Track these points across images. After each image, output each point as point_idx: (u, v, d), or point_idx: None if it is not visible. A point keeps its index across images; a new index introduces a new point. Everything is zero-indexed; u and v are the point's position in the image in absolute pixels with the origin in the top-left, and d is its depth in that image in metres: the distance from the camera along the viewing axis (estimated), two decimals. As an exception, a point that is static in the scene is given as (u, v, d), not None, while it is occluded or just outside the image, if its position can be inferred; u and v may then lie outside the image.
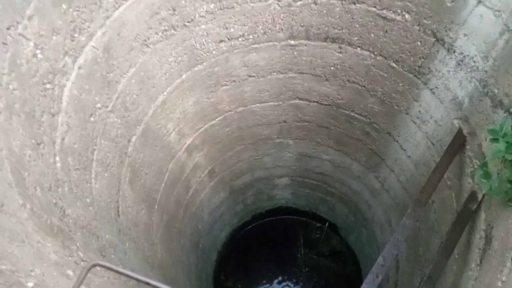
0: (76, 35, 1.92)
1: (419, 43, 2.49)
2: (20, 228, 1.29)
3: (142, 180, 2.96)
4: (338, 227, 5.94)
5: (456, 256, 2.42)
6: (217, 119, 3.62)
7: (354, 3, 2.51)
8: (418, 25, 2.41)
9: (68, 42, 1.88)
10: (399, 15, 2.43)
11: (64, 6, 1.80)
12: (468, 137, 2.43)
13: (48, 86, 1.80)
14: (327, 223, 6.01)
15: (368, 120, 3.50)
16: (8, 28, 1.51)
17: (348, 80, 3.20)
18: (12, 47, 1.54)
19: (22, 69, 1.62)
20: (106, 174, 2.42)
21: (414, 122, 3.01)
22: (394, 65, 2.78)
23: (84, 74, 2.05)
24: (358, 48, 2.84)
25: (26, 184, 1.50)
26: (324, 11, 2.62)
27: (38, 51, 1.71)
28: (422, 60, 2.55)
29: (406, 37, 2.52)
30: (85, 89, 2.09)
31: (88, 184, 2.19)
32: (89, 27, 1.99)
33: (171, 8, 2.38)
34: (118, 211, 2.58)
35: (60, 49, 1.84)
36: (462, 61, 2.29)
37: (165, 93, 2.84)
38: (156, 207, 3.33)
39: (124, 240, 2.56)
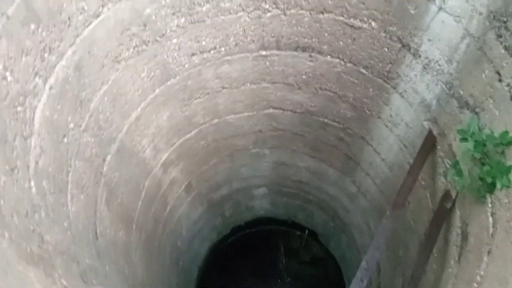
0: (46, 55, 1.88)
1: (386, 49, 2.59)
2: (1, 258, 1.23)
3: (119, 199, 2.90)
4: (318, 234, 5.99)
5: (436, 255, 2.50)
6: (192, 133, 3.60)
7: (322, 13, 2.58)
8: (384, 32, 2.50)
9: (38, 63, 1.83)
10: (365, 23, 2.52)
11: (32, 26, 1.76)
12: (438, 137, 2.53)
13: (19, 108, 1.74)
14: (307, 231, 6.05)
15: (341, 126, 3.57)
16: (-25, 51, 1.46)
17: (320, 88, 3.27)
18: (-20, 71, 1.49)
19: (-9, 93, 1.56)
20: (82, 196, 2.35)
21: (386, 125, 3.11)
22: (363, 71, 2.86)
23: (56, 94, 2.00)
24: (328, 56, 2.92)
25: (2, 212, 1.43)
26: (294, 22, 2.68)
27: (7, 73, 1.65)
28: (390, 65, 2.65)
29: (374, 44, 2.61)
30: (57, 110, 2.04)
31: (65, 208, 2.12)
32: (59, 46, 1.95)
33: (141, 24, 2.36)
34: (96, 233, 2.51)
35: (30, 70, 1.79)
36: (428, 65, 2.39)
37: (138, 109, 2.81)
38: (134, 226, 3.26)
39: (104, 263, 2.49)
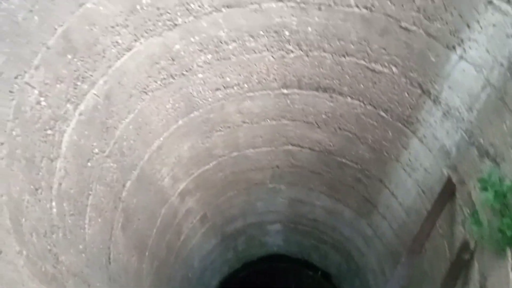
0: (79, 83, 1.99)
1: (406, 94, 2.62)
2: (17, 276, 1.27)
3: (135, 225, 2.93)
4: (331, 276, 5.82)
5: (452, 307, 2.40)
6: (211, 164, 3.66)
7: (344, 56, 2.65)
8: (405, 77, 2.54)
9: (71, 90, 1.95)
10: (386, 68, 2.57)
11: (69, 56, 1.88)
12: (457, 185, 2.49)
13: (49, 132, 1.84)
14: (320, 272, 5.89)
15: (359, 167, 3.56)
16: (15, 77, 1.57)
17: (339, 128, 3.30)
18: (18, 95, 1.60)
19: (26, 116, 1.66)
20: (99, 220, 2.40)
21: (404, 169, 3.09)
22: (383, 114, 2.89)
23: (84, 120, 2.10)
24: (349, 98, 2.97)
25: (23, 230, 1.49)
26: (316, 63, 2.76)
27: (42, 99, 1.77)
28: (410, 110, 2.67)
29: (394, 88, 2.65)
30: (84, 135, 2.13)
31: (82, 230, 2.17)
32: (91, 75, 2.07)
33: (170, 58, 2.48)
34: (110, 258, 2.54)
35: (63, 96, 1.90)
36: (448, 112, 2.40)
37: (161, 139, 2.90)
38: (147, 253, 3.27)
39: (114, 288, 2.50)
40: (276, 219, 5.23)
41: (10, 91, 1.53)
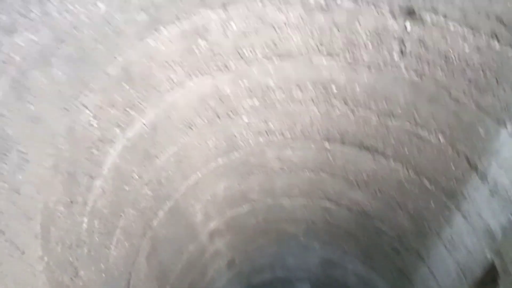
0: (130, 110, 2.15)
1: (452, 166, 2.51)
2: (33, 280, 1.33)
3: (160, 256, 2.96)
4: None
5: None
6: (244, 208, 3.66)
7: (390, 118, 2.62)
8: (452, 148, 2.45)
9: (121, 116, 2.10)
10: (433, 135, 2.50)
11: (125, 85, 2.05)
12: (501, 274, 2.28)
13: (95, 152, 1.97)
14: None
15: (397, 235, 3.38)
16: (72, 97, 1.73)
17: (380, 191, 3.19)
18: (72, 114, 1.75)
19: (76, 134, 1.81)
20: (126, 244, 2.46)
21: (445, 246, 2.88)
22: (426, 183, 2.77)
23: (129, 146, 2.23)
24: (392, 161, 2.89)
25: (50, 238, 1.58)
26: (361, 122, 2.75)
27: (95, 121, 1.92)
28: (455, 183, 2.54)
29: (440, 158, 2.55)
30: (127, 159, 2.26)
31: (107, 250, 2.23)
32: (143, 105, 2.22)
33: (218, 99, 2.61)
34: (129, 284, 2.56)
35: (113, 121, 2.05)
36: (495, 191, 2.25)
37: (199, 174, 2.97)
38: (167, 287, 3.26)
39: (128, 316, 2.50)
40: (305, 277, 5.03)
41: (66, 109, 1.69)
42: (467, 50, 1.98)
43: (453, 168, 2.51)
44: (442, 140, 2.47)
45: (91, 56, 1.73)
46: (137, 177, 2.43)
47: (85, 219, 1.98)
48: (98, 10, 1.73)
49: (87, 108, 1.82)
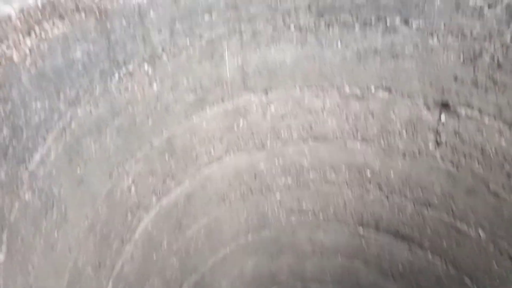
0: (168, 180, 2.26)
1: (495, 264, 2.34)
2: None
3: (179, 332, 2.86)
4: None
5: None
6: (272, 290, 3.52)
7: (426, 208, 2.55)
8: (493, 245, 2.31)
9: (159, 184, 2.20)
10: (472, 229, 2.38)
11: (167, 156, 2.18)
12: None
13: (129, 217, 2.06)
14: None
15: (436, 338, 3.08)
16: (117, 163, 1.87)
17: (417, 284, 2.99)
18: (115, 179, 1.87)
19: (115, 198, 1.91)
20: (147, 314, 2.42)
21: None
22: (467, 281, 2.57)
23: (163, 214, 2.31)
24: (429, 253, 2.74)
25: (72, 298, 1.61)
26: (396, 209, 2.69)
27: (133, 187, 2.03)
28: (498, 282, 2.35)
29: (481, 254, 2.40)
30: (159, 227, 2.32)
31: (127, 318, 2.21)
32: (180, 176, 2.33)
33: (253, 175, 2.68)
34: None
35: (151, 188, 2.16)
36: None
37: (227, 249, 2.96)
38: None
39: None
40: None
41: (110, 174, 1.81)
42: (503, 144, 1.97)
43: (496, 266, 2.34)
44: (482, 235, 2.34)
45: (140, 128, 1.89)
46: (166, 246, 2.46)
47: (110, 283, 2.00)
48: (152, 90, 1.92)
49: (128, 174, 1.94)
